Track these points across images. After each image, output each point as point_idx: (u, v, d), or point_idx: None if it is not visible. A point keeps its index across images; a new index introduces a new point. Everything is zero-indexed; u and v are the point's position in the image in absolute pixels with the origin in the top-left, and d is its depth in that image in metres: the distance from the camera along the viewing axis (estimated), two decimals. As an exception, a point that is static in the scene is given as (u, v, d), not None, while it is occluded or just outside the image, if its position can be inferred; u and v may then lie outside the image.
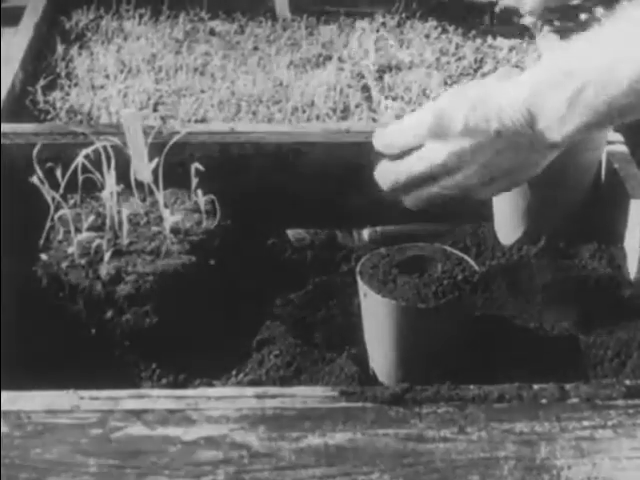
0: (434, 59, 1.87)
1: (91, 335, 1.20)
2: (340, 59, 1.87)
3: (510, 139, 1.03)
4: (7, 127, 1.44)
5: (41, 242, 1.26)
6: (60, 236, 1.26)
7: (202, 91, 1.73)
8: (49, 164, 1.26)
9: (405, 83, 1.78)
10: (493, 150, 1.04)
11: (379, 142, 1.13)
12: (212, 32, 1.98)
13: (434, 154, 1.07)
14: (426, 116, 1.07)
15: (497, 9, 1.73)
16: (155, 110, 1.67)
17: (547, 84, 1.00)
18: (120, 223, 1.25)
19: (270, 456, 0.88)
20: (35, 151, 1.26)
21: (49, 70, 1.78)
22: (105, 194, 1.27)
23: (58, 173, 1.25)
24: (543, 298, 1.25)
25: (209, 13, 2.03)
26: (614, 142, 1.39)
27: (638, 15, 0.95)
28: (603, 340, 1.17)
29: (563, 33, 1.15)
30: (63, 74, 1.78)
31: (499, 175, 1.07)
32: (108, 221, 1.27)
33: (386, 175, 1.13)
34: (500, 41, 1.96)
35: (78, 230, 1.24)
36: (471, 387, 0.95)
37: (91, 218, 1.26)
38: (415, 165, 1.09)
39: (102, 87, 1.73)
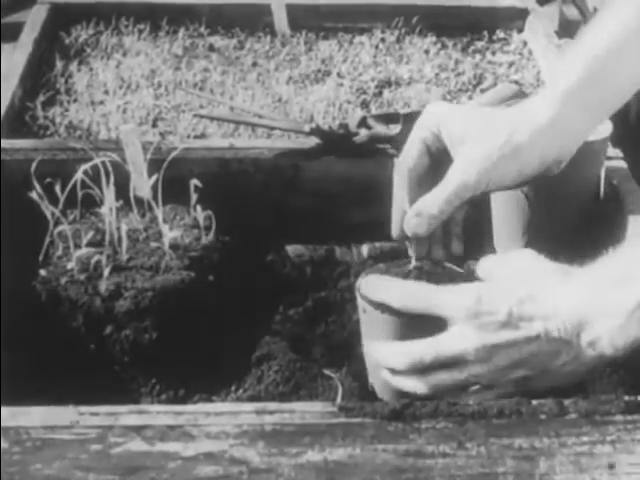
0: (433, 75, 1.88)
1: (90, 351, 1.20)
2: (339, 74, 1.87)
3: (552, 345, 0.95)
4: (6, 143, 1.44)
5: (40, 258, 1.27)
6: (59, 252, 1.26)
7: (201, 107, 1.73)
8: (48, 180, 1.27)
9: (404, 99, 1.78)
10: (530, 350, 0.96)
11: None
12: (211, 48, 1.98)
13: (467, 340, 0.97)
14: (468, 292, 0.98)
15: None
16: (154, 126, 1.67)
17: (601, 291, 0.95)
18: (119, 239, 1.25)
19: (269, 472, 0.88)
20: (34, 167, 1.26)
21: (48, 86, 1.79)
22: (104, 210, 1.27)
23: (57, 189, 1.25)
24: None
25: (208, 29, 2.03)
26: (613, 158, 1.39)
27: None
28: (602, 355, 1.17)
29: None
30: (62, 90, 1.78)
31: (531, 375, 0.98)
32: (107, 237, 1.27)
33: (408, 353, 1.00)
34: (499, 57, 1.97)
35: (77, 246, 1.24)
36: (470, 402, 0.95)
37: (90, 234, 1.26)
38: (445, 347, 0.98)
39: (101, 103, 1.74)
